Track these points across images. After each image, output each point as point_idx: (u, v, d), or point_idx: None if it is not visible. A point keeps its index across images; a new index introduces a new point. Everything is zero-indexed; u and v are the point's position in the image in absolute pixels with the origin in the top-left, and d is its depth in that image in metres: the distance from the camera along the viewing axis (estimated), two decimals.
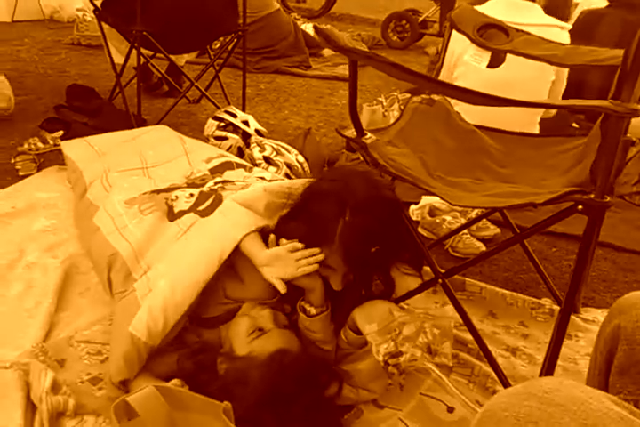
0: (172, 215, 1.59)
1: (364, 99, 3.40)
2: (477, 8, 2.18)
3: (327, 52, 4.82)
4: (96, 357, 1.38)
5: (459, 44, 2.19)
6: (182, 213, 1.57)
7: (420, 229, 2.13)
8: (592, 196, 1.26)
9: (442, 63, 2.13)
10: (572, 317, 1.65)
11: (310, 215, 1.32)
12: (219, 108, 2.85)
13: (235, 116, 2.61)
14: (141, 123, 2.77)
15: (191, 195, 1.64)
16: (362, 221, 1.25)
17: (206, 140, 2.55)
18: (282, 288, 1.27)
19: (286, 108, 3.50)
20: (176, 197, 1.64)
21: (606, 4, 3.27)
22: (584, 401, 0.69)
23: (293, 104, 3.60)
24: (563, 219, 1.43)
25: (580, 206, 1.26)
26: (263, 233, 1.37)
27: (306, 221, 1.32)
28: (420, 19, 5.70)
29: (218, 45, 3.88)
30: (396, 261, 1.39)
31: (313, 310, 1.33)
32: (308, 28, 4.99)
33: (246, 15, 2.93)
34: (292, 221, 1.36)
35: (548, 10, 4.85)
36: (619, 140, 1.29)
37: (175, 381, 1.19)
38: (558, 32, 2.25)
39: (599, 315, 1.72)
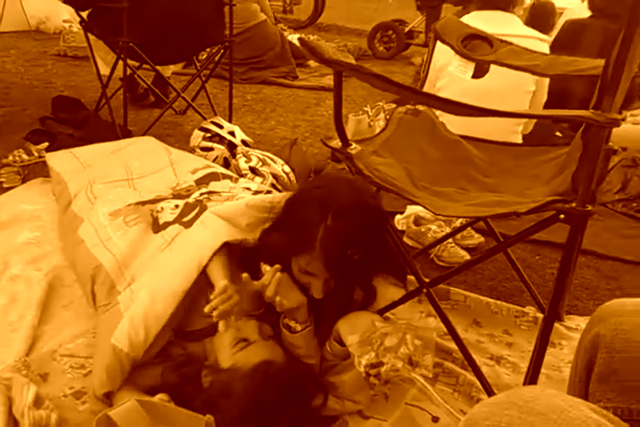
0: (157, 227, 1.58)
1: (349, 109, 3.42)
2: (460, 19, 2.21)
3: (313, 62, 4.84)
4: (79, 370, 1.37)
5: (443, 54, 2.22)
6: (167, 224, 1.57)
7: (405, 239, 2.14)
8: (574, 205, 1.27)
9: (426, 74, 2.16)
10: (556, 324, 1.66)
11: (292, 222, 1.33)
12: (205, 118, 2.86)
13: (221, 126, 2.62)
14: (127, 134, 2.77)
15: (176, 206, 1.64)
16: (343, 226, 1.25)
17: (192, 151, 2.55)
18: (222, 328, 1.21)
19: (273, 119, 3.51)
20: (161, 208, 1.64)
21: (589, 13, 3.32)
22: (564, 410, 0.70)
23: (280, 114, 3.61)
24: (545, 227, 1.44)
25: (562, 215, 1.27)
26: (242, 247, 1.37)
27: (288, 228, 1.32)
28: (406, 29, 5.75)
29: (205, 56, 3.89)
30: (379, 270, 1.39)
31: (298, 327, 1.32)
32: (295, 38, 5.02)
33: (233, 26, 2.95)
34: (275, 231, 1.36)
35: (533, 19, 4.91)
36: (600, 150, 1.31)
37: (161, 395, 1.19)
38: (538, 44, 2.28)
39: (582, 322, 1.73)
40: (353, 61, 5.13)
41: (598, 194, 2.62)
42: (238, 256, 1.41)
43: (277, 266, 1.27)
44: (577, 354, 0.96)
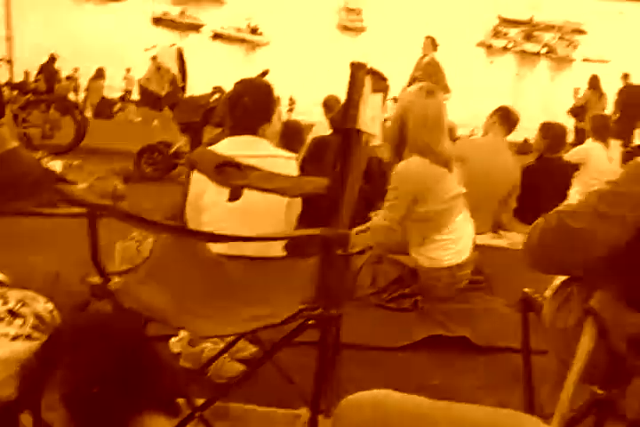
0: None
1: (120, 232, 3.35)
2: (212, 148, 2.44)
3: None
4: None
5: (200, 181, 2.37)
6: None
7: (182, 361, 2.14)
8: (319, 311, 1.44)
9: (185, 200, 2.31)
10: (326, 420, 1.76)
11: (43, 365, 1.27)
12: None
13: None
14: None
15: None
16: (81, 363, 1.22)
17: None
18: None
19: (33, 252, 3.31)
20: None
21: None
22: None
23: (42, 247, 3.42)
24: (301, 333, 1.60)
25: (310, 321, 1.42)
26: None
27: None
28: (172, 150, 5.98)
29: None
30: (143, 403, 1.37)
31: None
32: (57, 164, 4.92)
33: None
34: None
35: (286, 137, 5.48)
36: (334, 262, 1.53)
37: None
38: (284, 162, 2.55)
39: None
40: (121, 184, 5.15)
41: (354, 290, 2.93)
42: None
43: None
44: None
